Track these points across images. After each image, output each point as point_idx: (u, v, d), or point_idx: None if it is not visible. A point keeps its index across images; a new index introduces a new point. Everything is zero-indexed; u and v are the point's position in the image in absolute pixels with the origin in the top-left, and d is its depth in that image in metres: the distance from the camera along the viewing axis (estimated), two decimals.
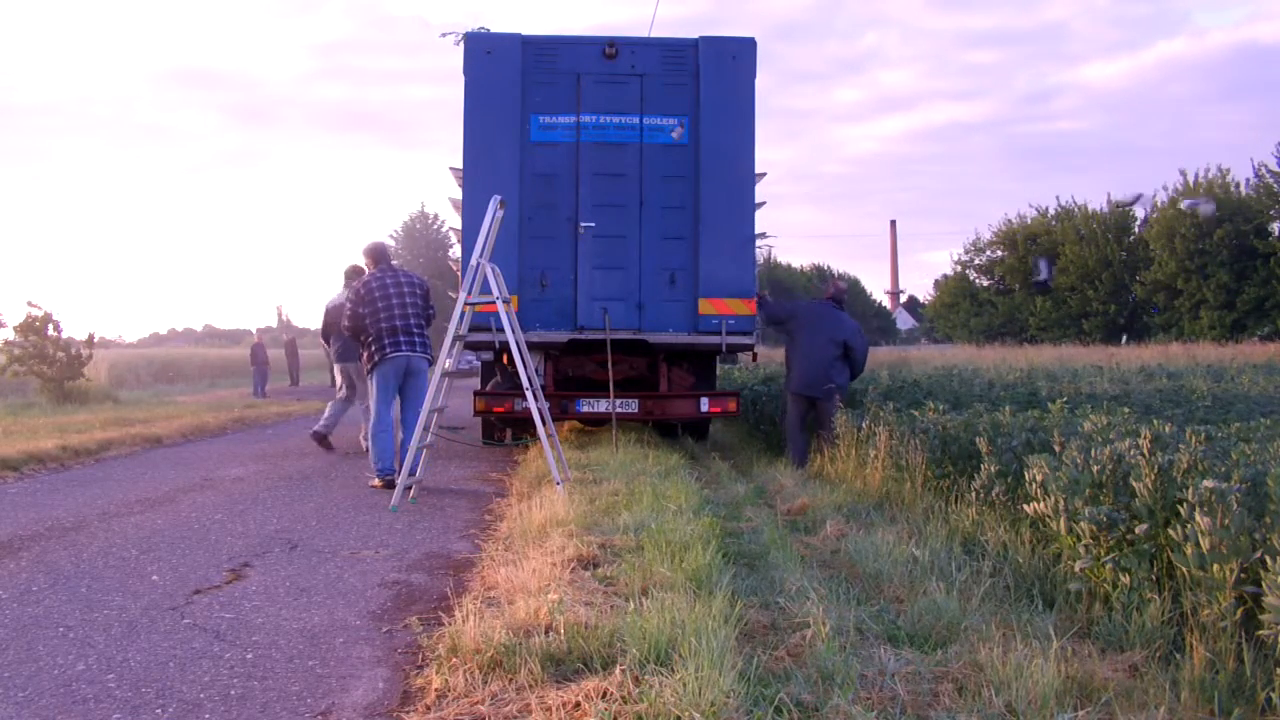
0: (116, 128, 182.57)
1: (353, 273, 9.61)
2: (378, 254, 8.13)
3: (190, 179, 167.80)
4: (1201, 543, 3.23)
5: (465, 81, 9.48)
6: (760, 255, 15.95)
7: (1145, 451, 3.89)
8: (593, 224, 9.34)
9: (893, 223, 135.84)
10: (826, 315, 8.99)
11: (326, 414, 10.42)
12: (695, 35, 9.66)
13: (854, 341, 8.84)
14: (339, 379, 10.34)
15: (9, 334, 17.89)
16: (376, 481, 7.79)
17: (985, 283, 52.36)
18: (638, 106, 9.44)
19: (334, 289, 9.98)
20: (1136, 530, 3.67)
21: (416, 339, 7.77)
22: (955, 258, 55.31)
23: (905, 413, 7.13)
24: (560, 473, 6.69)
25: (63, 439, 10.10)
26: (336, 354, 10.13)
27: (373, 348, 7.74)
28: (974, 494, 5.23)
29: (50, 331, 17.76)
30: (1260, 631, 2.98)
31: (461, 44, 9.51)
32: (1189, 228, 39.87)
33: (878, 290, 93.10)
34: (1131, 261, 44.41)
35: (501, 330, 7.24)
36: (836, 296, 9.34)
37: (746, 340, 9.58)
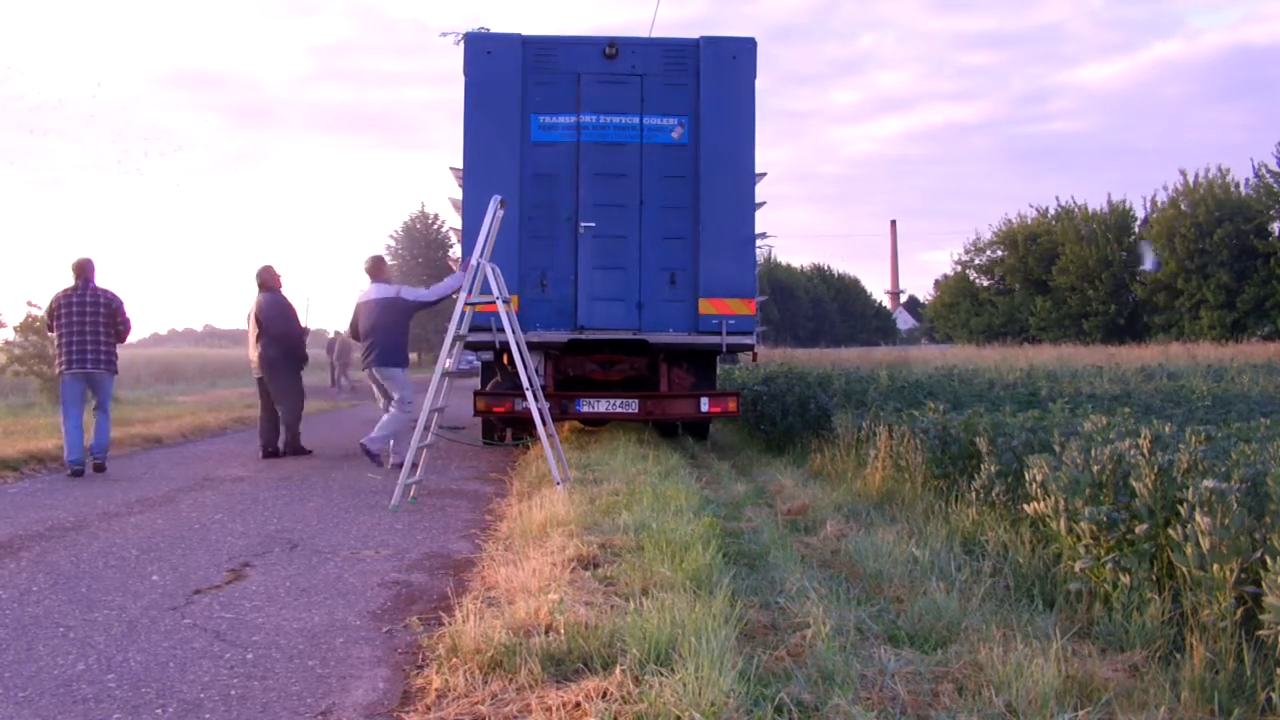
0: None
1: (372, 265, 9.68)
2: (75, 270, 8.82)
3: (191, 180, 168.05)
4: (1201, 543, 3.23)
5: (465, 82, 9.47)
6: (760, 255, 15.95)
7: (1145, 451, 3.89)
8: (593, 224, 9.33)
9: (893, 223, 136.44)
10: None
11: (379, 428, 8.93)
12: (695, 36, 9.66)
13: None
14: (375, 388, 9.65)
15: (9, 334, 17.88)
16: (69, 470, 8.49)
17: (985, 283, 52.40)
18: (638, 106, 9.42)
19: (355, 288, 9.81)
20: (1136, 530, 3.67)
21: (90, 355, 8.69)
22: (955, 258, 55.41)
23: (905, 413, 7.12)
24: (560, 473, 6.69)
25: (63, 439, 10.06)
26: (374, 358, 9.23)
27: (59, 360, 8.81)
28: (974, 494, 5.23)
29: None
30: (1260, 631, 2.98)
31: (461, 44, 9.50)
32: (1189, 228, 39.88)
33: (878, 290, 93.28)
34: (1131, 261, 44.43)
35: (501, 330, 7.24)
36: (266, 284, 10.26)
37: (747, 340, 9.57)
